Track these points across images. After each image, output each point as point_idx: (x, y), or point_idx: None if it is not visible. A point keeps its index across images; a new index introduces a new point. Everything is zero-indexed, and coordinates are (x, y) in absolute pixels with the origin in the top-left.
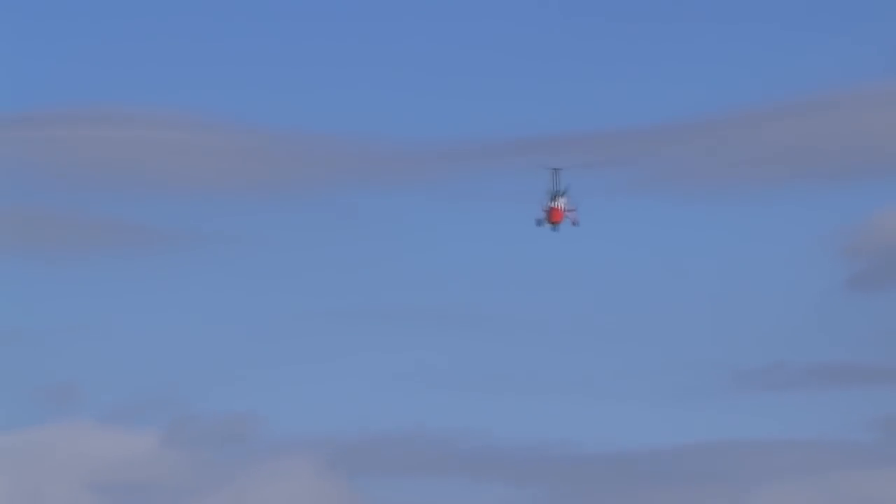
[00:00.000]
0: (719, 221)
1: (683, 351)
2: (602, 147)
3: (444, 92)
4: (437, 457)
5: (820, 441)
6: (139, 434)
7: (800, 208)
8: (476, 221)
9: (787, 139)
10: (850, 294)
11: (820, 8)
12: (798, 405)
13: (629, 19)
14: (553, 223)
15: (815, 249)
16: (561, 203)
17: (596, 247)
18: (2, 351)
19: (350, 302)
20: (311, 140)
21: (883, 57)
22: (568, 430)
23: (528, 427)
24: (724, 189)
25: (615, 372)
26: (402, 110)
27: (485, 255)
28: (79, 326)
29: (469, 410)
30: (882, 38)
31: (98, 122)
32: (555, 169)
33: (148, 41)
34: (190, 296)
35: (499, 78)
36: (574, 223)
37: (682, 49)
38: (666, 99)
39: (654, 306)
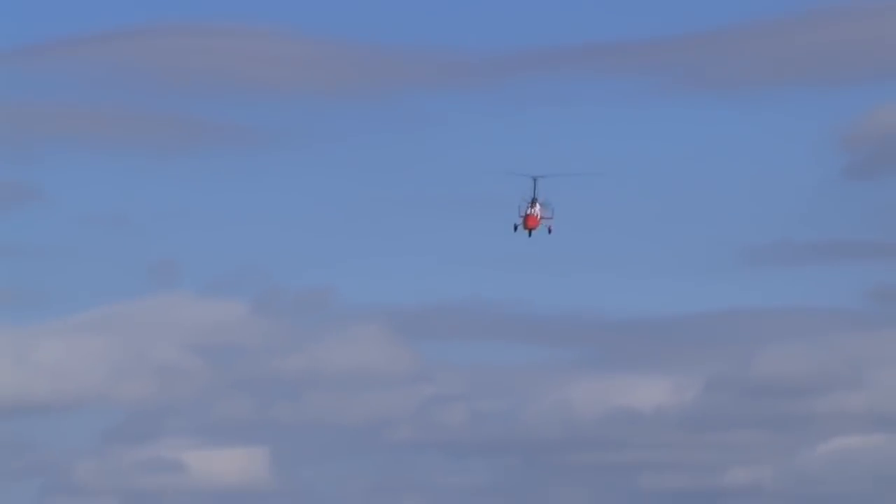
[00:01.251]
0: (735, 118)
1: (700, 230)
2: (637, 55)
3: (500, 6)
4: (487, 323)
5: (819, 308)
6: (231, 303)
7: (804, 107)
8: (524, 122)
9: (796, 46)
10: (848, 180)
11: None
12: (800, 277)
13: None
14: (528, 228)
15: (817, 142)
16: (537, 210)
17: (626, 141)
18: (116, 231)
19: (415, 190)
20: (386, 50)
21: None
22: (598, 300)
23: (564, 297)
24: (738, 90)
25: (640, 249)
26: (462, 22)
27: (530, 152)
28: (181, 211)
29: (514, 284)
30: None
31: (205, 35)
32: (535, 177)
33: None
34: (276, 185)
35: None
36: (550, 231)
37: None
38: (689, 11)
39: (675, 192)
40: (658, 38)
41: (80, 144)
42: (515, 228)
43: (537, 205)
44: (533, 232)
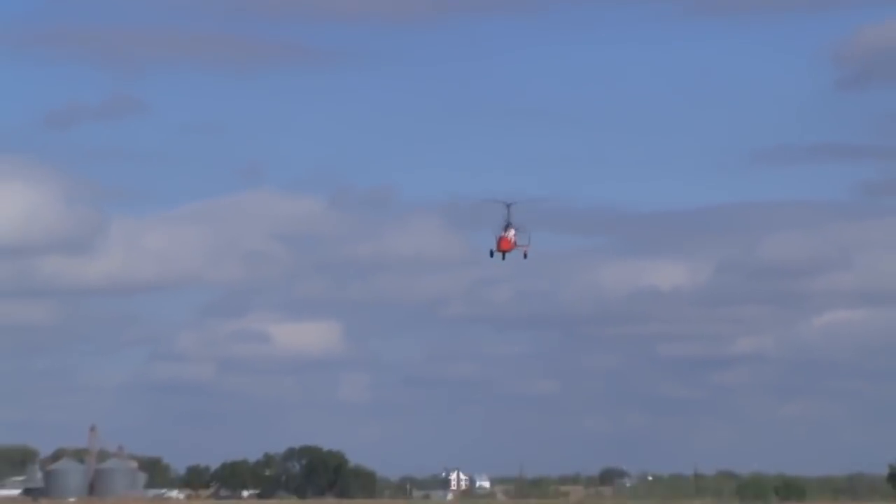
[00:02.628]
0: (742, 39)
1: (711, 135)
2: None
3: None
4: (529, 214)
5: (813, 202)
6: (309, 199)
7: (801, 28)
8: (561, 41)
9: None
10: (839, 91)
11: None
12: (797, 175)
13: None
14: (501, 251)
15: (812, 58)
16: (511, 234)
17: (646, 57)
18: (210, 137)
19: (468, 101)
20: None
21: None
22: (624, 195)
23: (596, 193)
24: (744, 14)
25: (661, 151)
26: None
27: (566, 66)
28: (266, 120)
29: (553, 181)
30: None
31: None
32: (508, 204)
33: None
34: (348, 97)
35: None
36: (525, 255)
37: None
38: None
39: (690, 102)
40: None
41: (179, 63)
42: (492, 253)
43: (511, 229)
44: (506, 254)
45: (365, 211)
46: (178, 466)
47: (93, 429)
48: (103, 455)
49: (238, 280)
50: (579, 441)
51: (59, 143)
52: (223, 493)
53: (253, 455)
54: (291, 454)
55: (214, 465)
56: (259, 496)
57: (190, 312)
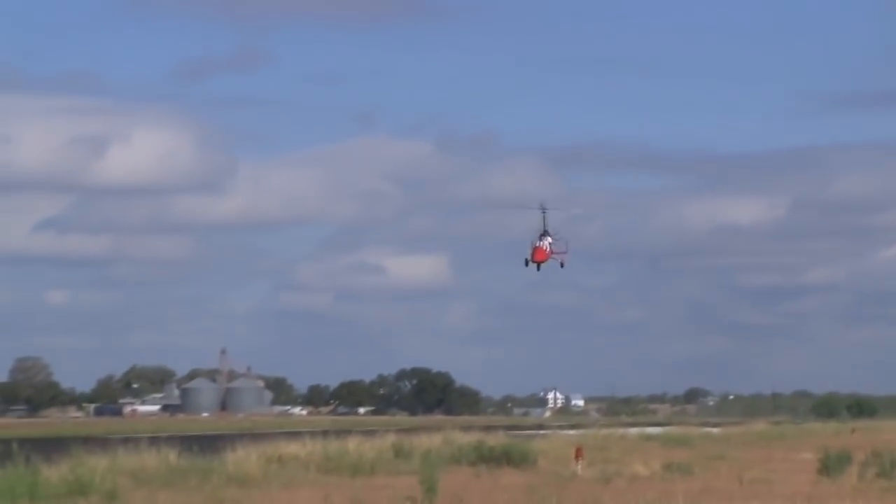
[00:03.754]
0: None
1: (790, 81)
2: None
3: None
4: (618, 157)
5: (882, 143)
6: (418, 143)
7: None
8: None
9: None
10: None
11: None
12: (868, 118)
13: None
14: (536, 261)
15: (883, 10)
16: (546, 243)
17: (728, 8)
18: (329, 86)
19: (563, 51)
20: None
21: None
22: (707, 138)
23: (680, 136)
24: None
25: (741, 96)
26: None
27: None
28: (380, 70)
29: (642, 124)
30: None
31: None
32: (543, 210)
33: None
34: (454, 48)
35: None
36: (562, 265)
37: None
38: None
39: (769, 50)
40: None
41: (302, 17)
42: (527, 263)
43: (547, 237)
44: (542, 265)
45: (469, 154)
46: (301, 386)
47: (223, 351)
48: (233, 375)
49: (353, 217)
50: (665, 364)
51: (192, 93)
52: (341, 410)
53: (368, 376)
54: (403, 375)
55: (333, 384)
56: (374, 413)
57: (310, 246)
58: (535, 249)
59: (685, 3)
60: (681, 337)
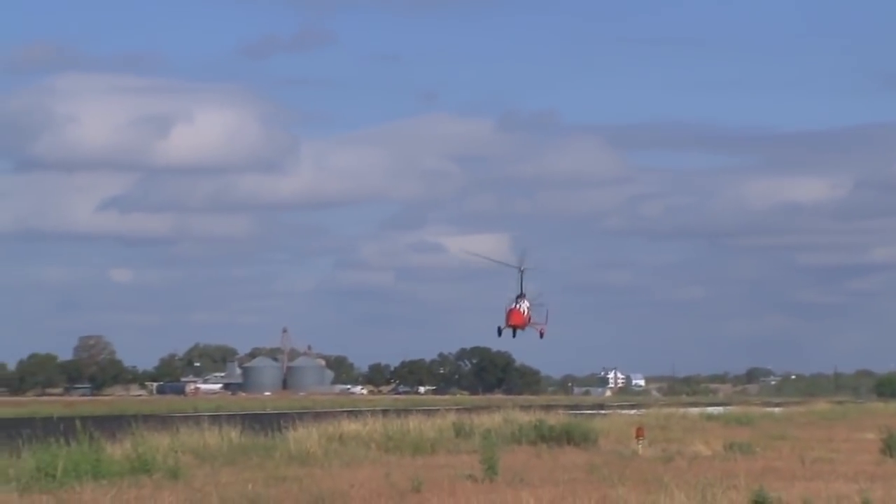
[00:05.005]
0: None
1: (851, 58)
2: None
3: None
4: (679, 136)
5: None
6: (479, 122)
7: None
8: None
9: None
10: None
11: None
12: None
13: None
14: (511, 326)
15: None
16: (523, 306)
17: None
18: (391, 65)
19: (623, 31)
20: None
21: None
22: (768, 117)
23: (741, 115)
24: None
25: (802, 75)
26: None
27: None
28: (441, 50)
29: (703, 103)
30: None
31: None
32: (521, 269)
33: None
34: (515, 28)
35: None
36: (541, 335)
37: None
38: None
39: (834, 27)
40: None
41: None
42: (500, 332)
43: (524, 301)
44: (518, 331)
45: (530, 133)
46: (362, 364)
47: (285, 330)
48: (294, 354)
49: (415, 196)
50: (726, 343)
51: (256, 72)
52: (402, 388)
53: (429, 355)
54: (463, 354)
55: (394, 363)
56: (434, 392)
57: (372, 225)
58: (511, 312)
59: None
60: (742, 316)
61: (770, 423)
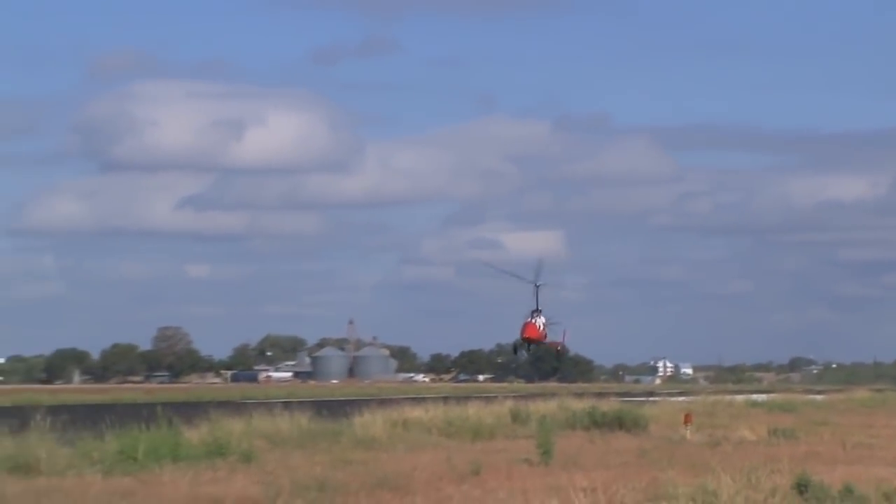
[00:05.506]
0: None
1: (893, 60)
2: None
3: None
4: (726, 136)
5: None
6: (536, 124)
7: None
8: None
9: None
10: None
11: None
12: None
13: None
14: (526, 339)
15: None
16: (539, 322)
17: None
18: (452, 70)
19: (670, 36)
20: None
21: None
22: (811, 118)
23: (785, 116)
24: None
25: (844, 75)
26: None
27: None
28: (499, 55)
29: (748, 104)
30: None
31: None
32: (537, 285)
33: None
34: (569, 33)
35: None
36: (557, 354)
37: None
38: None
39: (872, 31)
40: None
41: (425, 6)
42: (515, 350)
43: (540, 316)
44: (532, 345)
45: (583, 134)
46: (423, 354)
47: (351, 322)
48: (360, 344)
49: (474, 194)
50: (770, 333)
51: (325, 78)
52: (462, 377)
53: (487, 345)
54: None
55: (454, 353)
56: (492, 380)
57: (433, 222)
58: (526, 326)
59: None
60: (785, 308)
61: (812, 410)
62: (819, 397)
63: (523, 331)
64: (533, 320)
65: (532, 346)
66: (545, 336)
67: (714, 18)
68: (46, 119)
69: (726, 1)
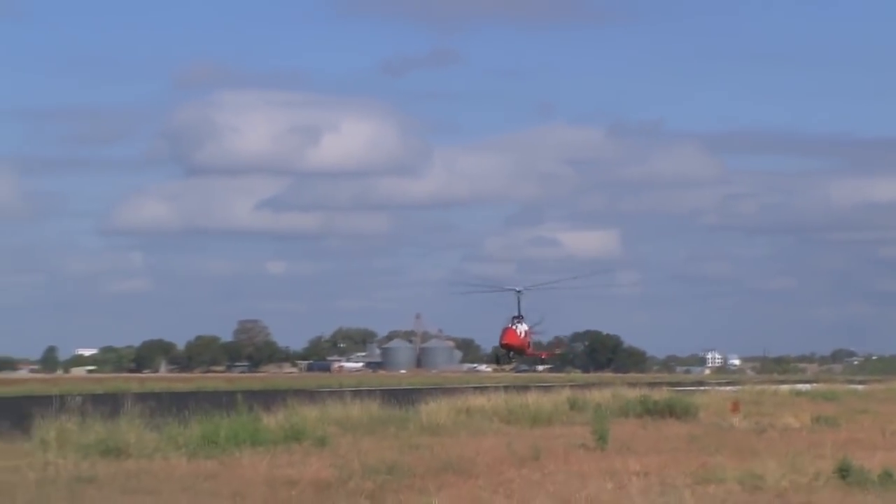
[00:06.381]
0: None
1: None
2: None
3: None
4: (770, 141)
5: None
6: (591, 130)
7: None
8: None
9: None
10: None
11: None
12: None
13: None
14: (505, 345)
15: None
16: (521, 329)
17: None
18: (513, 80)
19: (718, 46)
20: None
21: None
22: (850, 124)
23: (825, 122)
24: None
25: (880, 82)
26: None
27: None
28: (557, 65)
29: (793, 112)
30: None
31: None
32: (518, 291)
33: None
34: (620, 46)
35: None
36: (543, 360)
37: None
38: None
39: None
40: None
41: (486, 20)
42: (498, 360)
43: (522, 323)
44: (513, 352)
45: (636, 139)
46: (486, 346)
47: (418, 316)
48: (427, 336)
49: (533, 196)
50: (813, 327)
51: (394, 88)
52: (522, 367)
53: (546, 337)
54: (577, 337)
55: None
56: (550, 370)
57: (495, 222)
58: (505, 332)
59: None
60: (827, 302)
61: (853, 399)
62: (860, 387)
63: (502, 337)
64: (513, 326)
65: (513, 354)
66: (528, 343)
67: (759, 30)
68: (136, 127)
69: (771, 13)
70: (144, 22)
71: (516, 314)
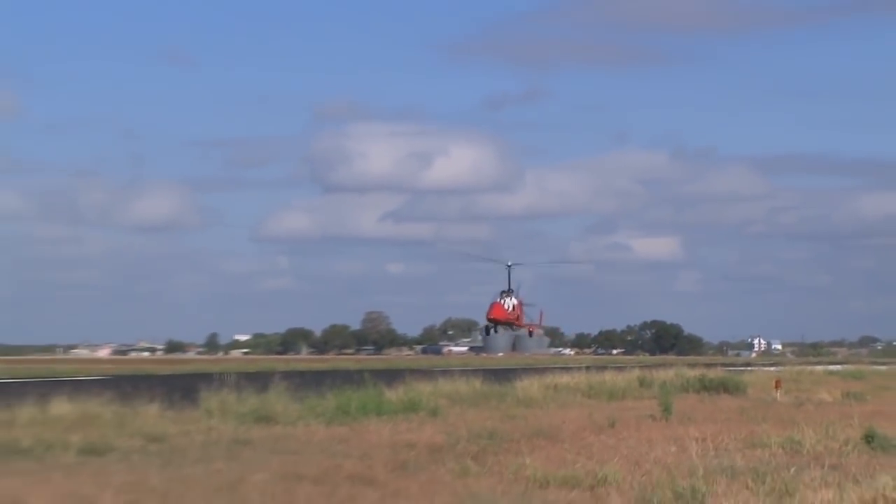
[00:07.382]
0: None
1: None
2: None
3: None
4: (813, 164)
5: None
6: (657, 154)
7: None
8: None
9: None
10: None
11: None
12: None
13: None
14: (491, 319)
15: None
16: (509, 303)
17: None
18: (595, 113)
19: (767, 83)
20: None
21: None
22: (881, 147)
23: (859, 146)
24: None
25: None
26: None
27: None
28: (631, 101)
29: (829, 138)
30: None
31: None
32: (508, 265)
33: None
34: (681, 87)
35: None
36: (531, 334)
37: None
38: None
39: None
40: None
41: (573, 62)
42: (486, 330)
43: (511, 297)
44: (499, 325)
45: (695, 162)
46: (569, 333)
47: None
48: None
49: (609, 209)
50: (845, 317)
51: (494, 120)
52: (599, 351)
53: (619, 326)
54: (645, 325)
55: (594, 332)
56: (623, 353)
57: (577, 231)
58: (492, 307)
59: (857, 36)
60: (856, 297)
61: (878, 378)
62: (883, 368)
63: (489, 311)
64: (501, 301)
65: (500, 326)
66: (517, 317)
67: (799, 69)
68: (284, 153)
69: (812, 53)
70: (289, 65)
71: (507, 288)
